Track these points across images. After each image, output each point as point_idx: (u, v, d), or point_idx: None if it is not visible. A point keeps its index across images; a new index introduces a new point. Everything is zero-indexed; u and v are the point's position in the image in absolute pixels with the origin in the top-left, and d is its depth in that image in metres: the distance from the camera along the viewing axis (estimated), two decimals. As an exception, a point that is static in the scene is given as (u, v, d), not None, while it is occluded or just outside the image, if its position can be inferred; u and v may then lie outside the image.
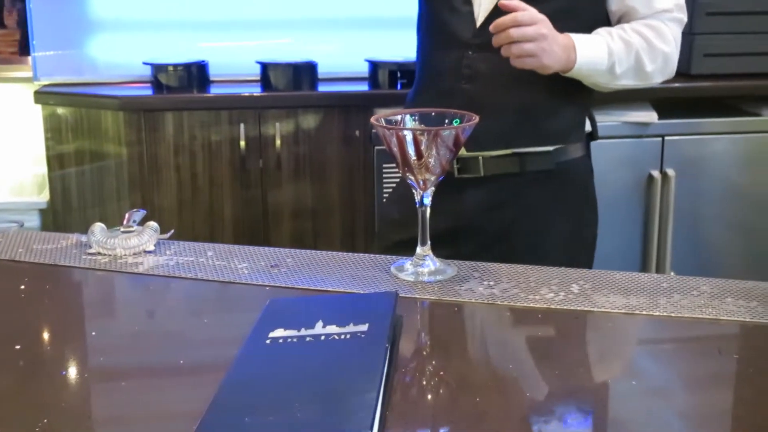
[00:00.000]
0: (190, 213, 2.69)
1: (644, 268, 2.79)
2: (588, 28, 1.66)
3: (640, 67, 1.66)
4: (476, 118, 1.19)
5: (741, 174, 2.79)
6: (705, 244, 2.83)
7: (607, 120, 2.69)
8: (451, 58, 1.68)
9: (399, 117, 1.22)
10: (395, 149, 1.16)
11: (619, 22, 1.71)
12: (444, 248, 1.33)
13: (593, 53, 1.60)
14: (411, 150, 1.14)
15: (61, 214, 2.85)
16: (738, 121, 2.80)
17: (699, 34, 2.77)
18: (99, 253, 1.29)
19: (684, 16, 1.75)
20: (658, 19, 1.68)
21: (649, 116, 2.72)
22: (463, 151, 1.53)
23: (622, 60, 1.63)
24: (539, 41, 1.50)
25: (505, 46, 1.50)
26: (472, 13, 1.65)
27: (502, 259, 1.46)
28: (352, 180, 2.68)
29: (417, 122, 1.22)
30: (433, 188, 1.19)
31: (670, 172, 2.74)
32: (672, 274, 2.78)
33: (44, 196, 2.98)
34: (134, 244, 1.30)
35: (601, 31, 1.66)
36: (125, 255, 1.28)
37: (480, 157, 1.67)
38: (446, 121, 1.21)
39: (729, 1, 2.77)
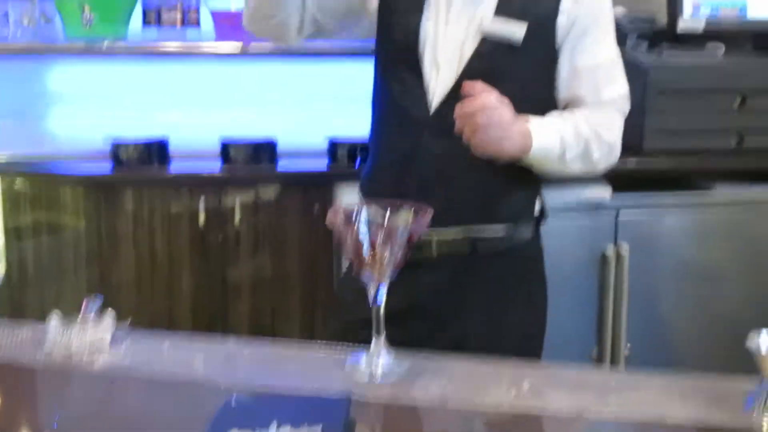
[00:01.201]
0: (149, 288, 2.69)
1: (600, 345, 2.81)
2: (539, 112, 1.71)
3: (588, 155, 1.74)
4: (430, 213, 1.22)
5: (694, 248, 2.84)
6: (660, 319, 2.86)
7: (561, 196, 2.74)
8: (406, 139, 1.73)
9: (355, 210, 1.24)
10: (350, 244, 1.19)
11: (565, 108, 1.78)
12: (397, 328, 1.34)
13: (547, 141, 1.66)
14: (366, 246, 1.17)
15: (18, 287, 2.83)
16: (689, 197, 2.86)
17: (651, 112, 2.83)
18: (52, 352, 1.29)
19: (627, 106, 1.84)
20: (604, 108, 1.77)
21: (603, 192, 2.77)
22: None
23: (572, 147, 1.70)
24: (501, 127, 1.55)
25: (467, 132, 1.54)
26: (426, 96, 1.71)
27: (455, 340, 1.49)
28: (311, 255, 2.70)
29: (372, 215, 1.24)
30: (387, 282, 1.21)
31: (624, 247, 2.77)
32: (628, 346, 2.81)
33: (0, 269, 2.96)
34: (91, 338, 1.30)
35: (554, 116, 1.73)
36: (80, 352, 1.28)
37: (433, 240, 1.70)
38: (401, 215, 1.24)
39: (679, 79, 2.85)
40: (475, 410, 1.12)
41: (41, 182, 2.74)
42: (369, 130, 1.91)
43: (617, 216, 2.78)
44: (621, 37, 3.00)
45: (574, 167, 1.75)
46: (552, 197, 2.67)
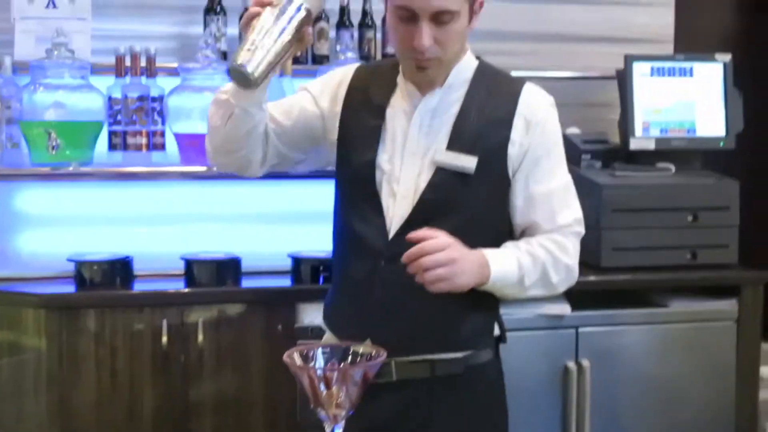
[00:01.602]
0: (110, 409, 2.65)
1: (563, 461, 2.81)
2: (494, 239, 1.79)
3: (547, 279, 1.80)
4: (384, 355, 1.24)
5: (653, 362, 2.87)
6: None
7: (521, 313, 2.77)
8: (365, 266, 1.78)
9: (311, 351, 1.27)
10: (306, 385, 1.20)
11: (522, 234, 1.85)
12: None
13: (505, 268, 1.73)
14: (321, 386, 1.19)
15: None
16: (647, 313, 2.91)
17: (606, 229, 2.90)
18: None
19: (582, 229, 1.89)
20: (559, 233, 1.82)
21: (563, 309, 2.80)
22: None
23: (531, 273, 1.76)
24: (450, 265, 1.61)
25: (419, 273, 1.59)
26: (384, 225, 1.76)
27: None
28: (274, 374, 2.69)
29: (328, 356, 1.27)
30: (343, 422, 1.23)
31: (585, 363, 2.79)
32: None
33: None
34: None
35: (509, 246, 1.80)
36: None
37: (392, 363, 1.73)
38: (356, 356, 1.26)
39: (632, 197, 2.92)
40: None
41: (3, 303, 2.73)
42: (332, 252, 1.96)
43: (577, 332, 2.81)
44: (575, 157, 3.11)
45: (535, 292, 1.81)
46: (511, 315, 2.71)
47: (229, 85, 1.74)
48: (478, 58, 1.87)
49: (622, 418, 2.86)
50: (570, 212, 1.85)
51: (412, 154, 1.78)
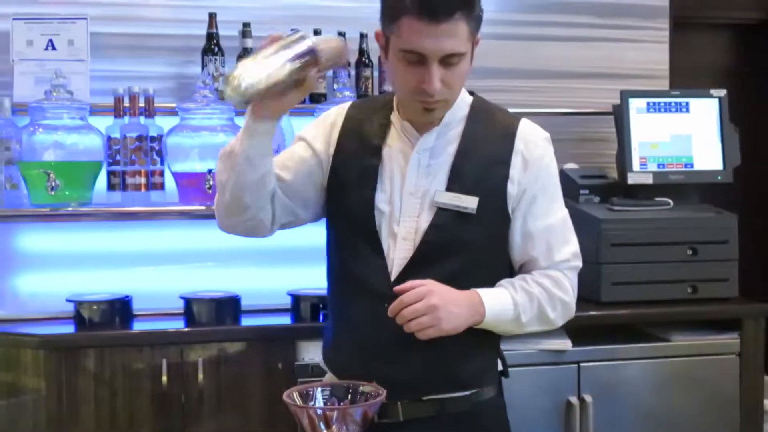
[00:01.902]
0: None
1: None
2: (496, 276, 1.78)
3: (544, 315, 1.79)
4: (384, 394, 1.24)
5: (656, 398, 2.85)
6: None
7: (523, 348, 2.76)
8: (367, 308, 1.75)
9: (311, 391, 1.27)
10: (306, 424, 1.20)
11: (521, 269, 1.84)
12: None
13: (499, 306, 1.72)
14: (321, 426, 1.19)
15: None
16: (649, 347, 2.90)
17: (605, 264, 2.90)
18: None
19: (579, 263, 1.87)
20: (556, 268, 1.81)
21: (564, 344, 2.79)
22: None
23: (527, 310, 1.75)
24: (432, 313, 1.61)
25: (405, 324, 1.61)
26: (386, 266, 1.74)
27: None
28: (273, 413, 2.67)
29: (327, 395, 1.27)
30: None
31: (588, 397, 2.78)
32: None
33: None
34: None
35: (505, 284, 1.79)
36: None
37: (399, 403, 1.72)
38: (357, 396, 1.25)
39: (631, 233, 2.93)
40: None
41: (2, 344, 2.71)
42: (328, 293, 1.94)
43: (579, 367, 2.80)
44: (573, 192, 3.11)
45: (532, 328, 1.81)
46: (514, 350, 2.70)
47: (232, 141, 1.72)
48: (471, 93, 1.86)
49: (624, 454, 2.85)
50: (567, 248, 1.84)
51: (410, 194, 1.76)
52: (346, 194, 1.81)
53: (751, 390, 2.93)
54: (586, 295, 2.95)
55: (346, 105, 1.92)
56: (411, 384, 1.73)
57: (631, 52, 3.54)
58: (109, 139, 2.82)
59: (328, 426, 1.18)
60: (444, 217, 1.73)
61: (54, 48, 2.88)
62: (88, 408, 2.65)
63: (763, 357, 2.96)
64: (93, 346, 2.63)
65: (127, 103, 2.83)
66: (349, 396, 1.27)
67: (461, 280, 1.72)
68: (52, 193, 2.63)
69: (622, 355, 2.86)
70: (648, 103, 3.14)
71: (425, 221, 1.74)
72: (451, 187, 1.74)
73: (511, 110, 1.94)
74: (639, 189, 3.09)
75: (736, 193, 3.22)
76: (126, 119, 2.84)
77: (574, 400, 2.78)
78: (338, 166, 1.82)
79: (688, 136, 3.14)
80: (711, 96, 3.19)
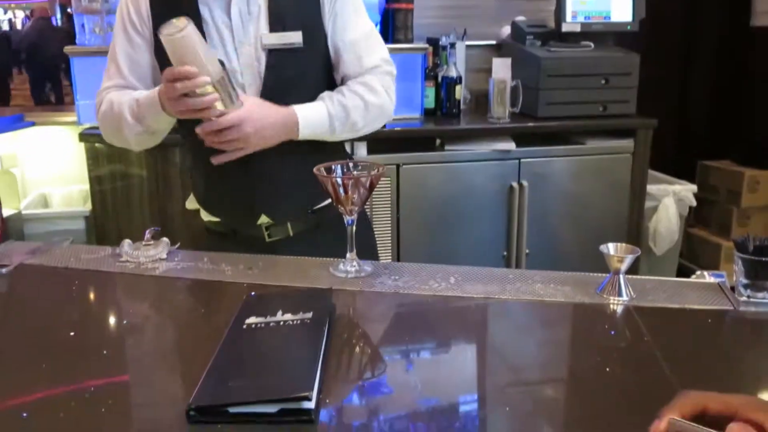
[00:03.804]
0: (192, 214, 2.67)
1: (508, 250, 2.87)
2: (317, 90, 1.45)
3: (354, 125, 1.46)
4: (383, 168, 1.22)
5: (572, 184, 2.89)
6: (549, 232, 2.92)
7: (478, 148, 2.77)
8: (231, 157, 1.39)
9: (333, 166, 1.24)
10: (330, 190, 1.19)
11: (342, 80, 1.49)
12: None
13: (315, 121, 1.40)
14: (341, 190, 1.18)
15: (101, 219, 2.82)
16: (570, 149, 2.90)
17: (543, 89, 2.85)
18: (127, 261, 1.30)
19: (392, 68, 1.51)
20: (370, 73, 1.47)
21: (509, 145, 2.79)
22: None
23: (341, 121, 1.43)
24: (245, 139, 1.33)
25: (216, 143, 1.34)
26: None
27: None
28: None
29: (345, 170, 1.24)
30: (356, 215, 1.21)
31: (525, 183, 2.82)
32: (527, 251, 2.87)
33: (87, 207, 2.95)
34: (152, 254, 1.31)
35: (324, 96, 1.44)
36: (146, 262, 1.30)
37: (288, 224, 1.50)
38: (365, 170, 1.23)
39: (562, 67, 2.86)
40: (417, 295, 1.14)
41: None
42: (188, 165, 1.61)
43: (520, 162, 2.81)
44: (521, 37, 3.01)
45: (344, 135, 1.47)
46: (470, 150, 2.70)
47: (132, 111, 1.37)
48: None
49: (549, 222, 2.91)
50: (376, 55, 1.47)
51: (241, 43, 1.38)
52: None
53: (639, 178, 2.96)
54: (528, 112, 2.93)
55: None
56: (293, 205, 1.48)
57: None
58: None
59: (345, 191, 1.18)
60: (277, 58, 1.38)
61: None
62: (176, 187, 2.68)
63: (649, 157, 2.96)
64: (176, 146, 2.62)
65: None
66: (360, 169, 1.24)
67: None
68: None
69: (551, 153, 2.86)
70: (580, -31, 2.98)
71: (263, 66, 1.39)
72: (274, 28, 1.38)
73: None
74: (569, 35, 2.98)
75: (640, 38, 3.11)
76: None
77: (515, 185, 2.81)
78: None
79: (608, -6, 3.01)
80: (627, -37, 3.02)
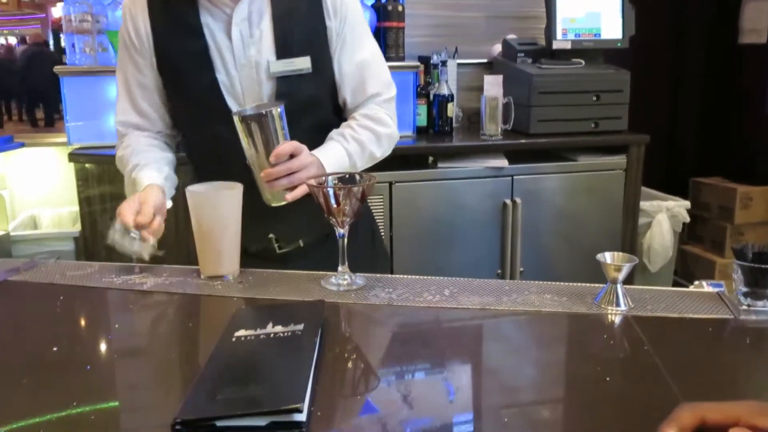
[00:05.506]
0: (185, 237, 2.64)
1: (502, 266, 2.85)
2: (326, 112, 1.46)
3: (372, 156, 1.46)
4: (376, 178, 1.20)
5: (564, 200, 2.88)
6: (542, 249, 2.91)
7: (472, 166, 2.76)
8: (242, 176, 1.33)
9: (323, 179, 1.22)
10: (322, 201, 1.17)
11: (344, 103, 1.48)
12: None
13: (337, 163, 1.37)
14: (332, 201, 1.16)
15: (90, 240, 2.79)
16: (562, 165, 2.89)
17: (534, 106, 2.86)
18: (114, 280, 1.27)
19: (393, 91, 1.50)
20: (373, 102, 1.46)
21: (502, 162, 2.79)
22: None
23: (360, 156, 1.42)
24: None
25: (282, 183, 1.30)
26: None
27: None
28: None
29: (336, 182, 1.23)
30: (348, 227, 1.19)
31: (518, 200, 2.81)
32: (521, 269, 2.86)
33: (77, 228, 2.92)
34: (137, 248, 1.26)
35: (335, 137, 1.41)
36: (133, 278, 1.26)
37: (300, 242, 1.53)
38: (356, 179, 1.22)
39: (553, 83, 2.87)
40: (411, 307, 1.12)
41: (104, 164, 2.69)
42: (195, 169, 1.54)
43: (512, 179, 2.81)
44: (512, 55, 3.01)
45: (363, 166, 1.45)
46: (464, 167, 2.69)
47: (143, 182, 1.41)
48: None
49: (542, 239, 2.90)
50: (378, 81, 1.46)
51: (243, 66, 1.36)
52: (185, 80, 1.39)
53: (631, 195, 2.95)
54: (520, 129, 2.93)
55: (138, 4, 1.40)
56: (298, 232, 1.50)
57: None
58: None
59: (337, 201, 1.16)
60: (286, 84, 1.36)
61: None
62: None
63: (642, 173, 2.96)
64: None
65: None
66: (351, 180, 1.23)
67: (316, 134, 1.39)
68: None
69: (543, 170, 2.85)
70: (570, -12, 3.00)
71: (268, 90, 1.36)
72: (281, 55, 1.35)
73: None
74: (560, 53, 3.00)
75: (630, 55, 3.13)
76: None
77: (508, 201, 2.80)
78: (163, 57, 1.39)
79: (598, 12, 3.02)
80: (616, -18, 3.05)
